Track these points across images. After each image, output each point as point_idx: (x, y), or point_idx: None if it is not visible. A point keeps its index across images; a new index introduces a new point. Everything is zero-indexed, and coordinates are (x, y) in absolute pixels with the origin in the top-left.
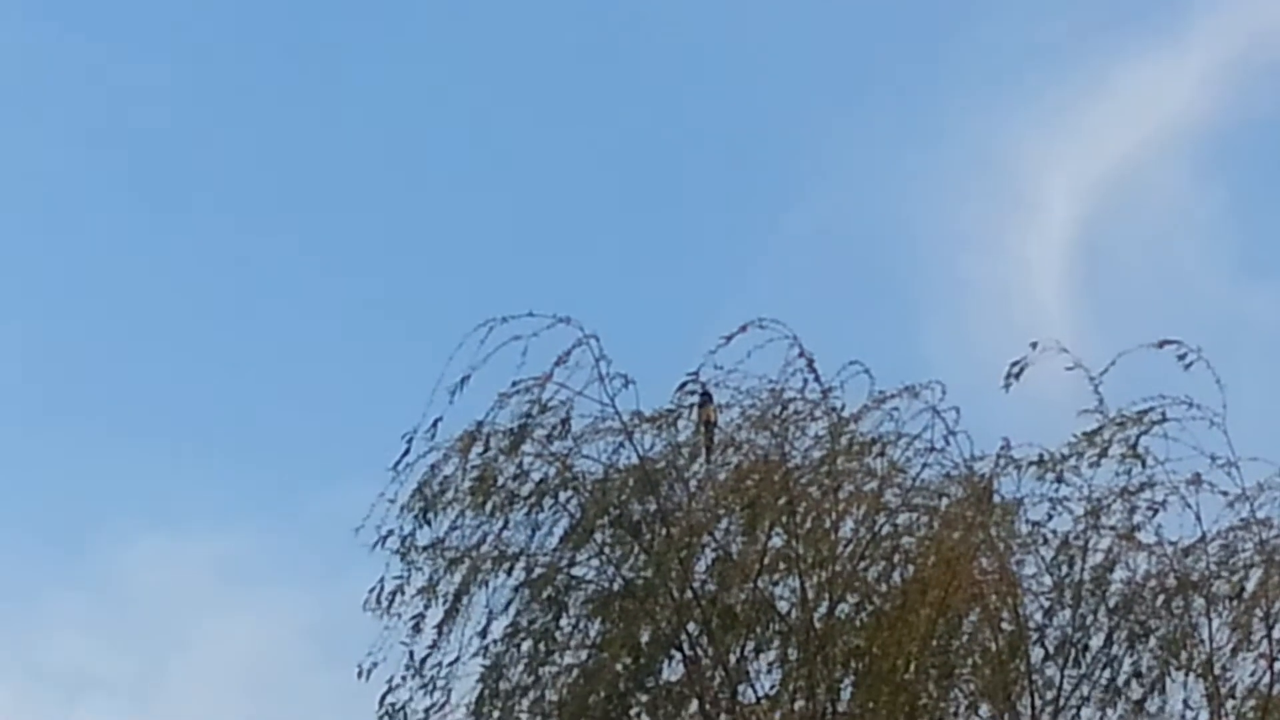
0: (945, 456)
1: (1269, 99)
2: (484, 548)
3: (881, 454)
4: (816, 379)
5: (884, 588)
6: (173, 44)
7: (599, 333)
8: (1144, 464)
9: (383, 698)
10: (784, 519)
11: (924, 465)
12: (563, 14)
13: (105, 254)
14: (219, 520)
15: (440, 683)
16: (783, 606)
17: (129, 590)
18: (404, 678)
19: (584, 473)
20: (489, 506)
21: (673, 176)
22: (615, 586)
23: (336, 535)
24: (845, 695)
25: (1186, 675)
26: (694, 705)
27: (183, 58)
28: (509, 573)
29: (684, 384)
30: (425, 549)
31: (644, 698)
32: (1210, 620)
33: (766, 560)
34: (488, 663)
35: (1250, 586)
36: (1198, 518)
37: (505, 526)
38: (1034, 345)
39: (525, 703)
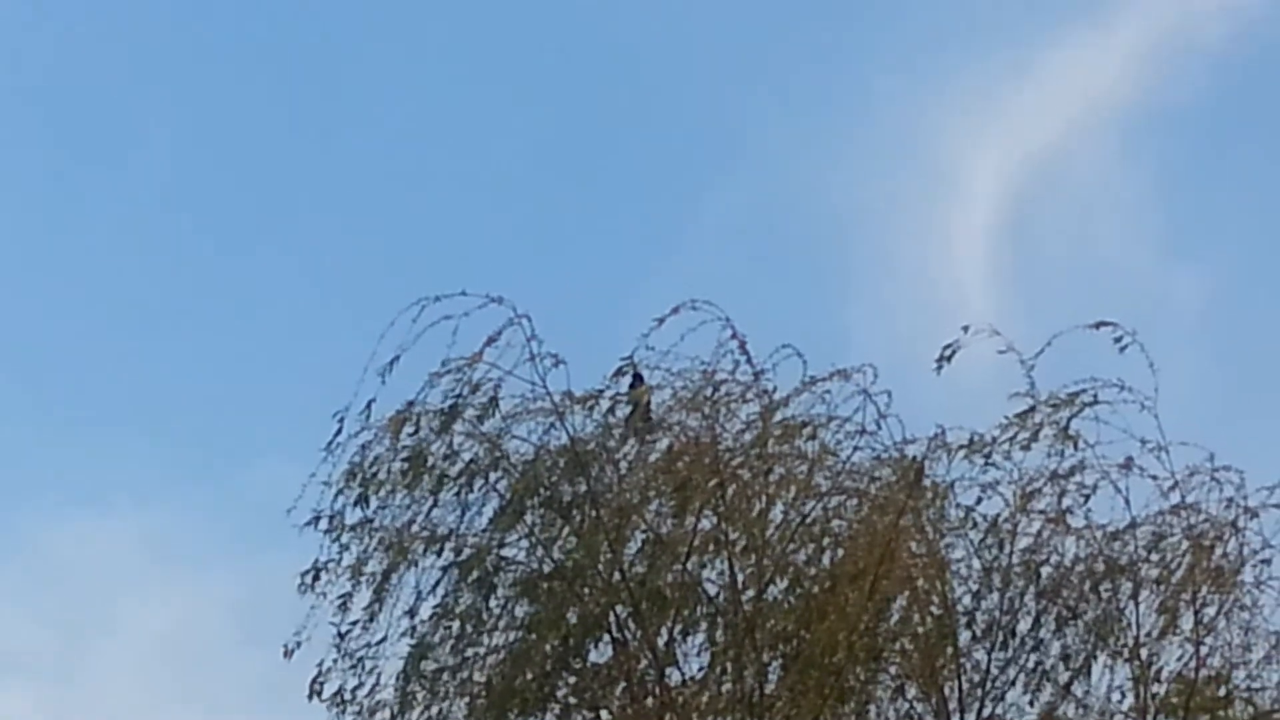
0: (876, 439)
1: (1193, 81)
2: (414, 528)
3: (813, 437)
4: (748, 361)
5: (813, 571)
6: None
7: (530, 313)
8: (1075, 446)
9: (314, 680)
10: (714, 501)
11: (855, 448)
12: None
13: (25, 230)
14: (144, 498)
15: (369, 663)
16: (712, 589)
17: (53, 568)
18: (334, 660)
19: (514, 453)
20: (420, 487)
21: (600, 156)
22: (544, 568)
23: (261, 513)
24: (773, 677)
25: (1113, 659)
26: (622, 687)
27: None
28: (439, 553)
29: (619, 368)
30: (355, 528)
31: (572, 679)
32: (1138, 604)
33: (696, 542)
34: (415, 643)
35: (1178, 571)
36: (1127, 502)
37: (435, 507)
38: (965, 329)
39: (452, 683)
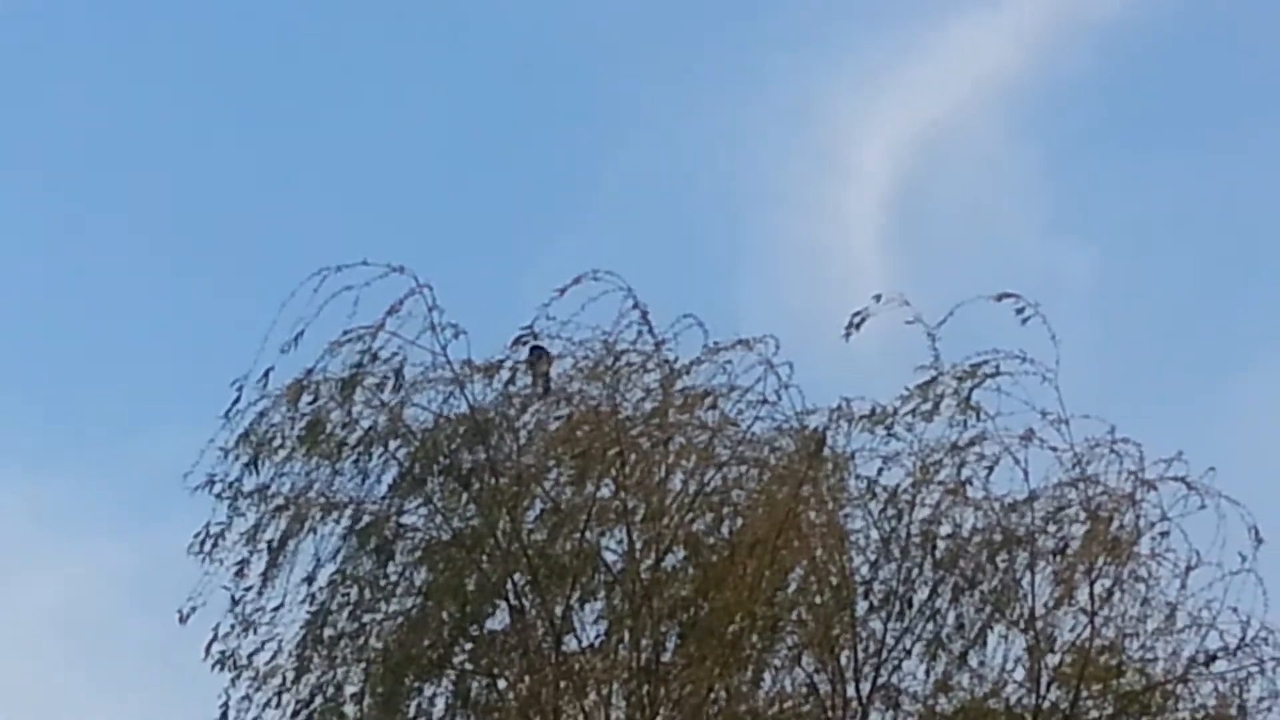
0: (777, 410)
1: (1082, 59)
2: (311, 494)
3: (713, 406)
4: (650, 331)
5: (712, 540)
6: None
7: (431, 283)
8: (978, 417)
9: (209, 645)
10: (614, 470)
11: (755, 418)
12: None
13: None
14: (33, 467)
15: (265, 628)
16: (610, 557)
17: None
18: (232, 625)
19: (414, 422)
20: (317, 454)
21: (495, 131)
22: (443, 536)
23: (153, 482)
24: (671, 646)
25: (1009, 629)
26: (519, 654)
27: None
28: (337, 521)
29: (519, 337)
30: (250, 495)
31: (469, 646)
32: (1034, 575)
33: (595, 511)
34: (313, 609)
35: (1074, 543)
36: (1026, 474)
37: (334, 474)
38: (877, 297)
39: (350, 649)
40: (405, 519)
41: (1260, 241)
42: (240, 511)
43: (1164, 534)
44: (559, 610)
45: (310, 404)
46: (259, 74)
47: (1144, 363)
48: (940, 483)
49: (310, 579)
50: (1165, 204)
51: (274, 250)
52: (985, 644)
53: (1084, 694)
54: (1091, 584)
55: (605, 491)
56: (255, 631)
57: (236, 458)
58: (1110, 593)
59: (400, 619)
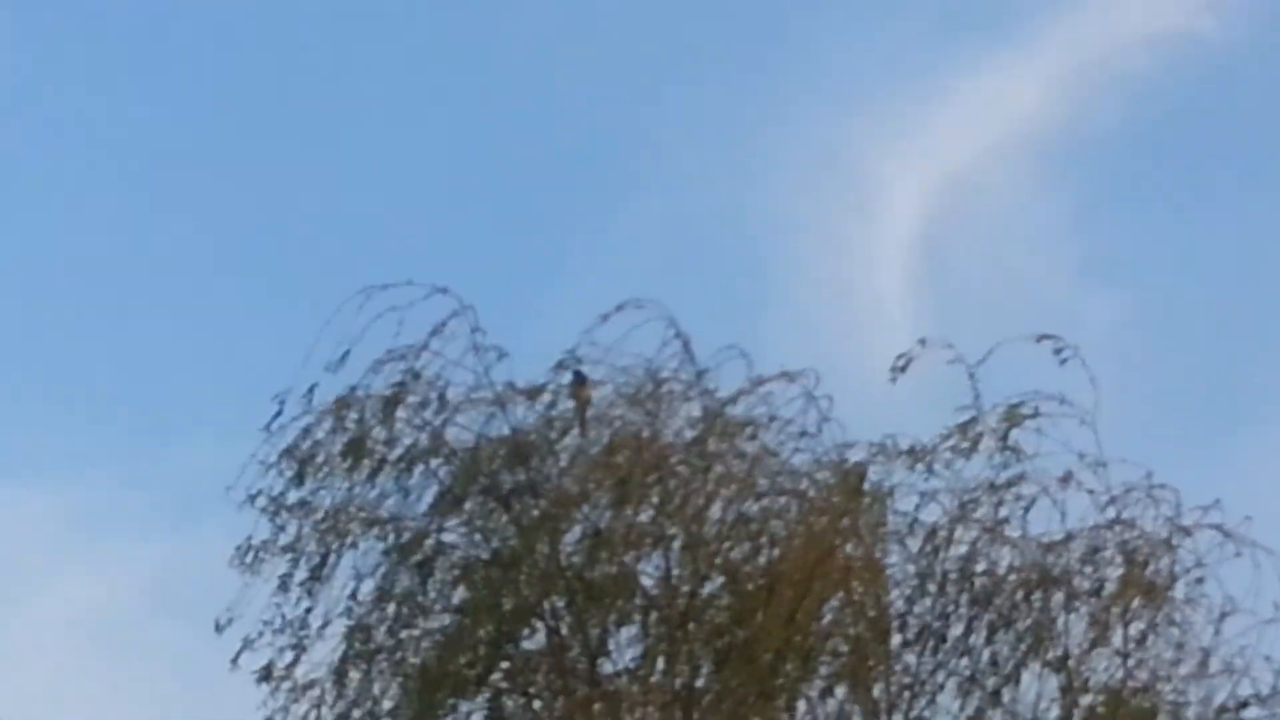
0: (817, 442)
1: (1110, 110)
2: (352, 509)
3: (754, 437)
4: (691, 360)
5: (749, 569)
6: None
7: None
8: (1016, 458)
9: (238, 655)
10: (653, 496)
11: (796, 450)
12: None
13: None
14: (66, 472)
15: (306, 641)
16: (647, 582)
17: None
18: (272, 636)
19: (456, 441)
20: (360, 470)
21: (522, 162)
22: (482, 555)
23: (184, 490)
24: (705, 673)
25: (1043, 668)
26: (555, 675)
27: None
28: (379, 537)
29: (560, 361)
30: (293, 508)
31: (505, 665)
32: (1069, 615)
33: (634, 536)
34: (352, 623)
35: (1109, 584)
36: (1063, 516)
37: (375, 491)
38: (922, 341)
39: (388, 664)
40: (445, 537)
41: None
42: (282, 525)
43: (1199, 580)
44: (595, 633)
45: (354, 420)
46: (300, 102)
47: (1171, 409)
48: (978, 521)
49: (354, 594)
50: (1193, 252)
51: (291, 266)
52: (1019, 682)
53: None
54: (1126, 626)
55: (644, 517)
56: (295, 644)
57: (280, 472)
58: (1145, 636)
59: (438, 636)
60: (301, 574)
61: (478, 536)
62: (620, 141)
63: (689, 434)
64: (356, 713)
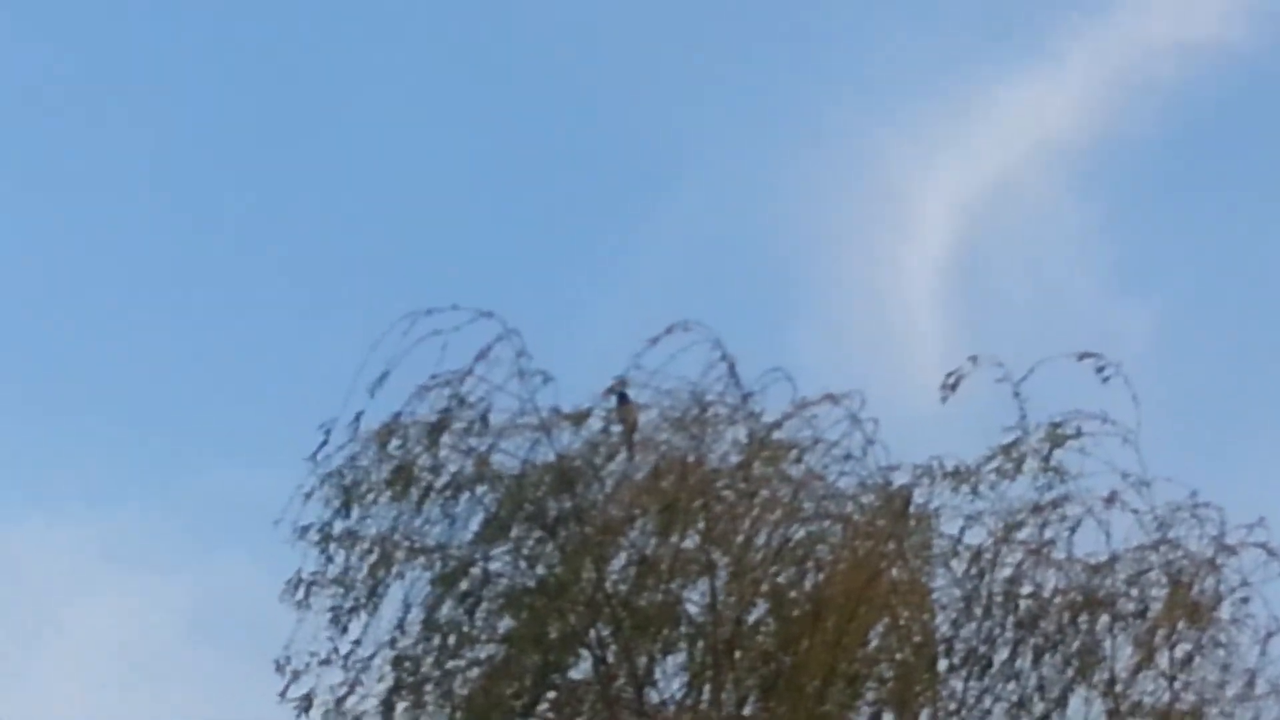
0: (862, 465)
1: (1143, 118)
2: (398, 538)
3: (799, 460)
4: (737, 383)
5: (795, 594)
6: None
7: (520, 328)
8: (1060, 479)
9: (286, 688)
10: (699, 521)
11: (841, 473)
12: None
13: None
14: (98, 501)
15: (356, 671)
16: (693, 609)
17: (3, 568)
18: (318, 668)
19: (501, 468)
20: (406, 498)
21: (549, 173)
22: (528, 583)
23: (215, 518)
24: (752, 700)
25: (1089, 691)
26: (601, 704)
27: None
28: (425, 566)
29: (611, 388)
30: (340, 538)
31: (551, 694)
32: (1115, 637)
33: (679, 562)
34: (397, 654)
35: (1155, 606)
36: (1108, 536)
37: (420, 519)
38: (973, 359)
39: (435, 695)
40: (491, 565)
41: None
42: (331, 556)
43: (1244, 600)
44: (642, 661)
45: (399, 448)
46: (337, 123)
47: (1210, 421)
48: (1022, 543)
49: (401, 625)
50: (1226, 261)
51: (325, 289)
52: (1066, 706)
53: None
54: (1172, 648)
55: (690, 543)
56: (346, 676)
57: (326, 501)
58: (1191, 657)
59: (484, 666)
60: (348, 603)
61: (523, 564)
62: (653, 151)
63: (734, 458)
64: None
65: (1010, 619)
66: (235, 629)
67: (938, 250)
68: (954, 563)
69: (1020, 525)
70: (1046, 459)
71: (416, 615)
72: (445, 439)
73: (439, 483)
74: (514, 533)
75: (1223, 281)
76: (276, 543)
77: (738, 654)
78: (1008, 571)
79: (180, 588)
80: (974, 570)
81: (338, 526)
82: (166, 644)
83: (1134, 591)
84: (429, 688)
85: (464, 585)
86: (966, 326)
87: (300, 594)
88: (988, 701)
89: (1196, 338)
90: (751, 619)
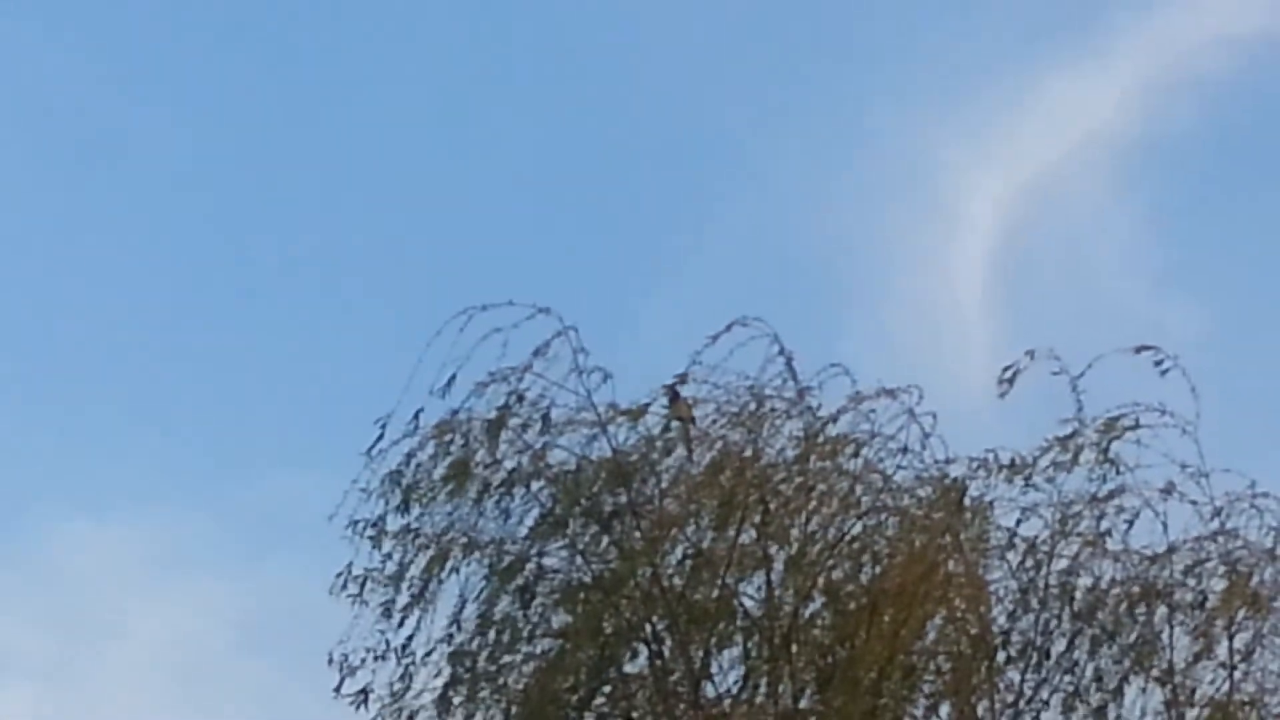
0: (919, 458)
1: (1188, 114)
2: (453, 533)
3: (855, 454)
4: (794, 378)
5: (852, 588)
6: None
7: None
8: (1117, 470)
9: (340, 684)
10: (756, 516)
11: (897, 466)
12: (506, 18)
13: (32, 229)
14: (150, 504)
15: (410, 667)
16: (749, 603)
17: (55, 574)
18: (374, 663)
19: (557, 464)
20: (463, 494)
21: (601, 179)
22: (584, 578)
23: (268, 522)
24: (808, 693)
25: (1147, 682)
26: (658, 699)
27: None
28: (481, 561)
29: (671, 385)
30: (396, 535)
31: (607, 689)
32: (1172, 628)
33: (736, 556)
34: (453, 649)
35: (1213, 596)
36: (1165, 527)
37: (477, 514)
38: (1030, 354)
39: (490, 690)
40: (546, 560)
41: None
42: (387, 554)
43: None
44: (698, 655)
45: (459, 445)
46: (389, 123)
47: (1263, 414)
48: (1079, 534)
49: (456, 620)
50: (1272, 261)
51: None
52: (1123, 697)
53: None
54: (1231, 638)
55: (746, 538)
56: (401, 672)
57: (383, 497)
58: (1250, 648)
59: (540, 661)
60: (404, 599)
61: (579, 559)
62: (712, 153)
63: (791, 453)
64: None
65: (1067, 610)
66: (289, 634)
67: (984, 245)
68: (1010, 555)
69: (1077, 517)
70: (1104, 450)
71: (472, 610)
72: (503, 435)
73: (496, 478)
74: (570, 528)
75: (1268, 277)
76: (331, 547)
77: (794, 647)
78: (1064, 563)
79: (232, 592)
80: (1030, 562)
81: (394, 523)
82: (220, 649)
83: (1191, 582)
84: (484, 683)
85: (520, 580)
86: (1013, 325)
87: (354, 588)
88: (1044, 693)
89: (1249, 332)
90: (808, 612)
